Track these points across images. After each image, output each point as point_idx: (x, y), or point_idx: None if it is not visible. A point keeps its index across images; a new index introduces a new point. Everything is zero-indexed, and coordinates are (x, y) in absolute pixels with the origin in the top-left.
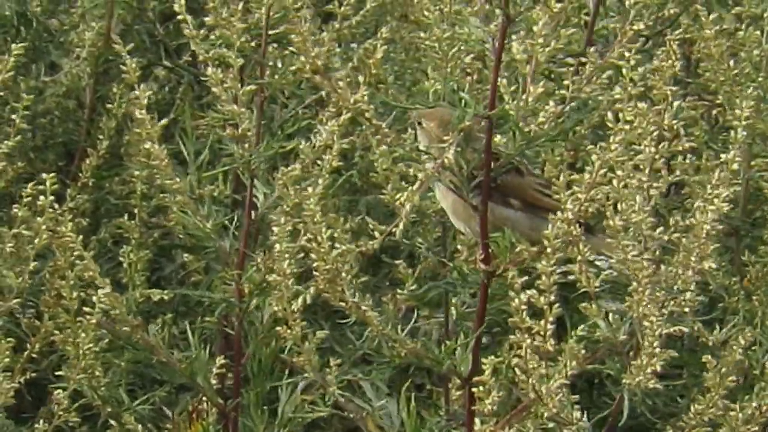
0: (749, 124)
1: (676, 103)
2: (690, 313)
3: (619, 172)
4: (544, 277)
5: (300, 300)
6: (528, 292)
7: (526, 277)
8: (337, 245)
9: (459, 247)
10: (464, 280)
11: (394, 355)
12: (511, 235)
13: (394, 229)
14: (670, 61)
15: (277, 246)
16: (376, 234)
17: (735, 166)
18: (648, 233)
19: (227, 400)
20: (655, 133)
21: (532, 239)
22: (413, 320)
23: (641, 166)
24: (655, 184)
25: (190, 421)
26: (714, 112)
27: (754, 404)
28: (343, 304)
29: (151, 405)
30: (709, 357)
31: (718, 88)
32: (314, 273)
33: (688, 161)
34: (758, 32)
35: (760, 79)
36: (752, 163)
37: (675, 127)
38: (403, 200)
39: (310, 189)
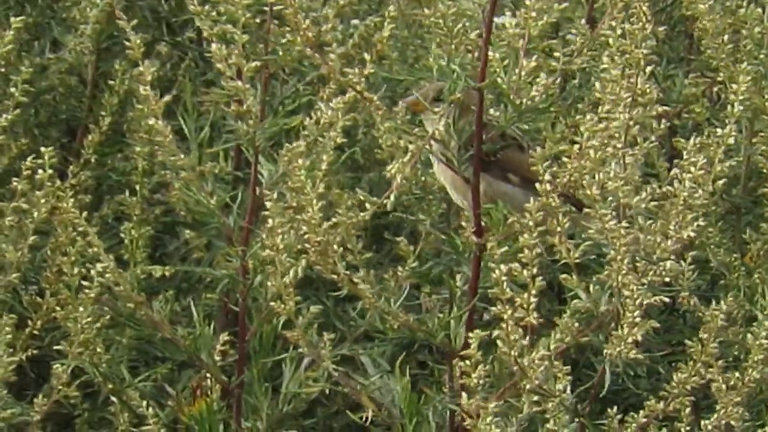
0: (746, 98)
1: (649, 68)
2: (686, 287)
3: (594, 142)
4: (526, 250)
5: (292, 273)
6: (511, 265)
7: (506, 248)
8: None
9: (463, 223)
10: (459, 254)
11: (387, 328)
12: (504, 208)
13: (385, 201)
14: (641, 24)
15: (270, 221)
16: (368, 206)
17: (731, 141)
18: (625, 201)
19: (230, 377)
20: (628, 99)
21: None
22: (417, 296)
23: (616, 134)
24: (630, 152)
25: (194, 398)
26: (715, 89)
27: (736, 375)
28: (335, 276)
29: (153, 382)
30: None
31: (719, 65)
32: (306, 245)
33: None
34: (759, 10)
35: (761, 56)
36: (753, 140)
37: (649, 90)
38: (395, 172)
39: (301, 161)
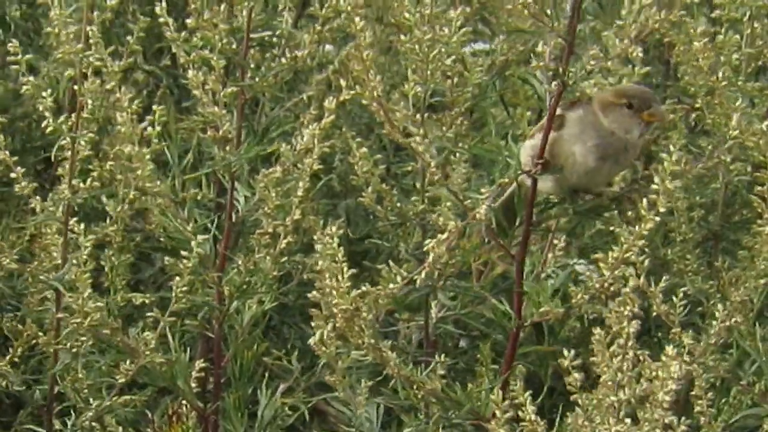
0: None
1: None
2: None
3: None
4: None
5: (317, 335)
6: None
7: None
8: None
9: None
10: (500, 320)
11: (410, 396)
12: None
13: (415, 277)
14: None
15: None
16: (398, 279)
17: None
18: None
19: (207, 404)
20: None
21: None
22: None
23: None
24: None
25: (170, 424)
26: (693, 115)
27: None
28: (360, 342)
29: (133, 407)
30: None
31: (698, 92)
32: (333, 311)
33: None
34: (737, 36)
35: (739, 83)
36: (731, 167)
37: None
38: (429, 248)
39: (331, 228)
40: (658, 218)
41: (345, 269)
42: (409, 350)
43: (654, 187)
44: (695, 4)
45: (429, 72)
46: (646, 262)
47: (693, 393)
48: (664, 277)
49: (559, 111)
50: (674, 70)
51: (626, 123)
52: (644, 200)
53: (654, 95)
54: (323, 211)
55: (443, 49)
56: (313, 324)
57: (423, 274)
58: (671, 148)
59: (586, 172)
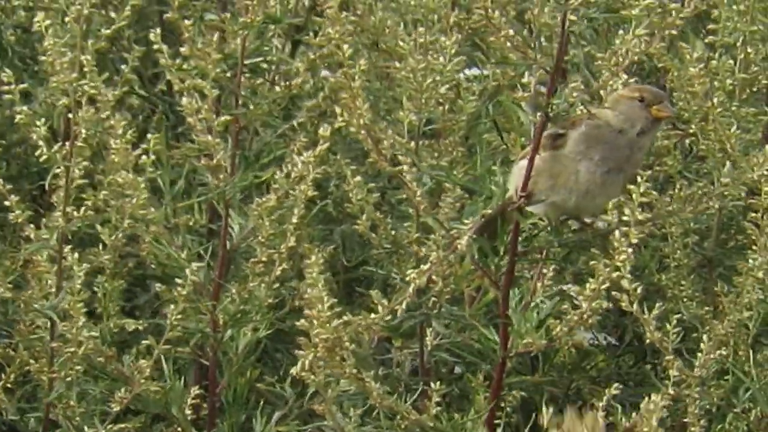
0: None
1: None
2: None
3: None
4: None
5: (300, 365)
6: None
7: None
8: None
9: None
10: (486, 347)
11: (394, 426)
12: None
13: (397, 307)
14: None
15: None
16: (380, 308)
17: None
18: None
19: (202, 430)
20: None
21: None
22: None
23: None
24: None
25: None
26: (688, 141)
27: None
28: (342, 372)
29: None
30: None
31: (692, 117)
32: (315, 340)
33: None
34: (731, 61)
35: (733, 108)
36: (725, 192)
37: None
38: (410, 279)
39: (317, 257)
40: (630, 249)
41: (326, 299)
42: (403, 378)
43: (624, 218)
44: (690, 29)
45: (424, 100)
46: (639, 289)
47: (686, 420)
48: (657, 304)
49: (560, 131)
50: (669, 96)
51: (634, 115)
52: (616, 232)
53: (667, 96)
54: (318, 236)
55: (438, 78)
56: (299, 353)
57: (404, 305)
58: (638, 179)
59: (587, 191)
